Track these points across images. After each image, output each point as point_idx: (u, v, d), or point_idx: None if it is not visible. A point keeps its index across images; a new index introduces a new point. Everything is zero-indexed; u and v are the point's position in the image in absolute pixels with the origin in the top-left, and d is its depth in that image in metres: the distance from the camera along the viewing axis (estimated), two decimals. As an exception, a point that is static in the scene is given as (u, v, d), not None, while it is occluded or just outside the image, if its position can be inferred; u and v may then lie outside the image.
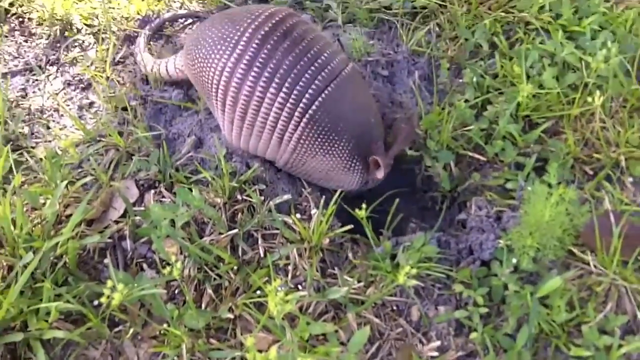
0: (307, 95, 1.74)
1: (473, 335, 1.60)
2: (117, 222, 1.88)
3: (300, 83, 1.73)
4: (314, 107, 1.74)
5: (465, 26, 2.25)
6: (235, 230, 1.80)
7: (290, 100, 1.74)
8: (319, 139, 1.78)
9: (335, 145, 1.80)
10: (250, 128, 1.82)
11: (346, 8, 2.38)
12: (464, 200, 1.93)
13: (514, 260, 1.66)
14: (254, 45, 1.74)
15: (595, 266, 1.65)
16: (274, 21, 1.78)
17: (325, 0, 2.39)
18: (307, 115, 1.75)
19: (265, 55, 1.73)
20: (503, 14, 2.26)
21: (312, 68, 1.74)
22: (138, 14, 2.46)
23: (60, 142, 2.07)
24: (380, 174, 1.84)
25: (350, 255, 1.78)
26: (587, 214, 1.67)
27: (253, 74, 1.74)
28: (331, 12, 2.35)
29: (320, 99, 1.74)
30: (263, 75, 1.73)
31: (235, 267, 1.75)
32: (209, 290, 1.72)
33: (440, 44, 2.25)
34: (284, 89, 1.73)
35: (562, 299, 1.59)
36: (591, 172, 1.88)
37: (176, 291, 1.75)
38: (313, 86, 1.74)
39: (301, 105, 1.74)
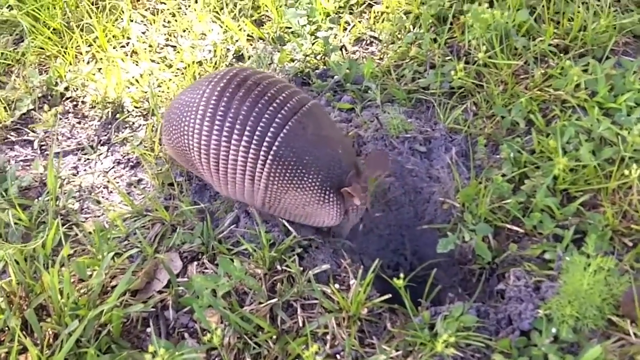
0: (269, 134, 1.87)
1: (513, 405, 1.63)
2: (160, 292, 1.99)
3: (261, 124, 1.87)
4: (277, 143, 1.87)
5: (501, 104, 2.36)
6: (275, 300, 1.88)
7: (254, 142, 1.88)
8: (288, 174, 1.89)
9: (305, 179, 1.90)
10: (225, 176, 1.96)
11: (385, 89, 2.52)
12: (503, 272, 1.98)
13: (554, 330, 1.70)
14: (213, 101, 1.92)
15: (636, 335, 1.67)
16: (227, 77, 1.96)
17: (365, 83, 2.54)
18: (271, 153, 1.87)
19: (223, 107, 1.90)
20: (539, 92, 2.36)
21: (271, 109, 1.89)
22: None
23: (108, 216, 2.21)
24: (357, 201, 1.94)
25: (388, 325, 1.84)
26: (626, 284, 1.71)
27: (217, 127, 1.90)
28: (370, 93, 2.49)
29: (282, 134, 1.87)
30: (225, 125, 1.89)
31: (275, 336, 1.82)
32: (248, 359, 1.78)
33: (477, 122, 2.35)
34: (247, 132, 1.88)
35: (603, 369, 1.61)
36: (630, 244, 1.92)
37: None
38: (274, 124, 1.87)
39: (265, 144, 1.87)
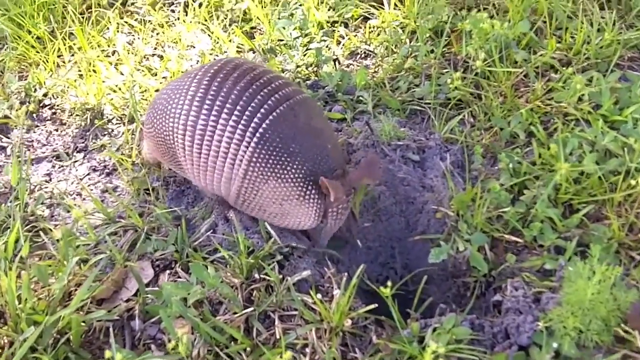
0: (258, 115, 1.77)
1: None
2: (128, 301, 1.85)
3: (252, 104, 1.78)
4: (264, 125, 1.77)
5: (500, 116, 2.25)
6: (250, 309, 1.74)
7: (242, 122, 1.77)
8: (270, 161, 1.77)
9: (288, 168, 1.78)
10: (207, 160, 1.84)
11: (378, 99, 2.42)
12: (499, 285, 1.84)
13: (555, 345, 1.55)
14: (205, 82, 1.83)
15: (646, 350, 1.53)
16: (221, 62, 1.89)
17: (358, 92, 2.44)
18: (257, 134, 1.77)
19: (216, 87, 1.81)
20: (540, 104, 2.26)
21: (265, 91, 1.80)
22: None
23: (73, 215, 2.09)
24: (332, 198, 1.80)
25: (374, 337, 1.69)
26: (634, 296, 1.57)
27: (206, 106, 1.81)
28: (363, 104, 2.39)
29: (271, 117, 1.77)
30: (216, 104, 1.80)
31: (249, 348, 1.67)
32: (219, 372, 1.64)
33: (474, 133, 2.24)
34: (236, 112, 1.78)
35: (610, 388, 1.47)
36: (638, 257, 1.79)
37: (183, 373, 1.67)
38: (265, 106, 1.78)
39: (252, 125, 1.77)
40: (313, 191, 1.81)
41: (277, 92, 1.81)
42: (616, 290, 1.58)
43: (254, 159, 1.78)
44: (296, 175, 1.79)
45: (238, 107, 1.78)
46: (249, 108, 1.78)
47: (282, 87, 1.83)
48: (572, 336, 1.54)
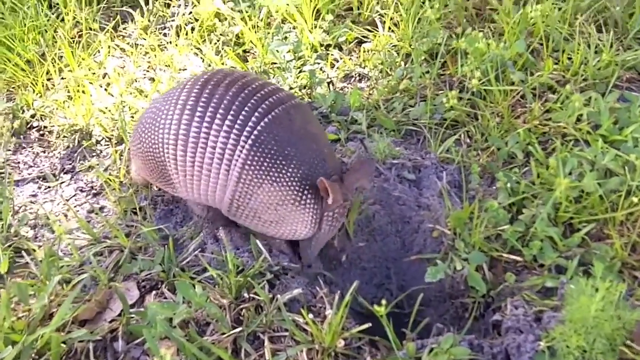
0: (252, 119, 1.73)
1: None
2: (111, 321, 1.78)
3: (246, 109, 1.74)
4: (259, 127, 1.72)
5: (497, 136, 2.21)
6: (239, 329, 1.67)
7: (236, 126, 1.73)
8: (265, 163, 1.72)
9: (283, 172, 1.73)
10: (200, 170, 1.79)
11: (373, 119, 2.39)
12: (499, 305, 1.78)
13: (558, 365, 1.49)
14: (196, 90, 1.79)
15: (654, 370, 1.46)
16: (211, 72, 1.86)
17: (352, 113, 2.40)
18: (252, 137, 1.72)
19: (207, 94, 1.77)
20: (538, 124, 2.22)
21: (257, 96, 1.76)
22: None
23: (61, 243, 2.03)
24: (330, 200, 1.75)
25: (368, 359, 1.62)
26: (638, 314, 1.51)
27: (198, 113, 1.76)
28: (356, 125, 2.35)
29: (266, 119, 1.73)
30: (208, 110, 1.75)
31: (237, 371, 1.60)
32: (204, 395, 1.56)
33: (471, 153, 2.20)
34: (229, 117, 1.74)
35: (617, 410, 1.40)
36: (643, 277, 1.73)
37: (168, 397, 1.59)
38: (259, 109, 1.74)
39: (247, 128, 1.72)
40: (309, 196, 1.76)
41: (271, 96, 1.77)
42: (620, 310, 1.52)
43: (249, 162, 1.73)
44: (292, 179, 1.73)
45: (231, 112, 1.74)
46: (243, 112, 1.74)
47: (275, 92, 1.80)
48: (575, 355, 1.47)
